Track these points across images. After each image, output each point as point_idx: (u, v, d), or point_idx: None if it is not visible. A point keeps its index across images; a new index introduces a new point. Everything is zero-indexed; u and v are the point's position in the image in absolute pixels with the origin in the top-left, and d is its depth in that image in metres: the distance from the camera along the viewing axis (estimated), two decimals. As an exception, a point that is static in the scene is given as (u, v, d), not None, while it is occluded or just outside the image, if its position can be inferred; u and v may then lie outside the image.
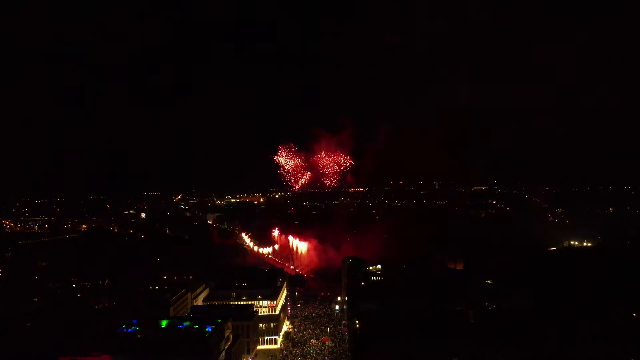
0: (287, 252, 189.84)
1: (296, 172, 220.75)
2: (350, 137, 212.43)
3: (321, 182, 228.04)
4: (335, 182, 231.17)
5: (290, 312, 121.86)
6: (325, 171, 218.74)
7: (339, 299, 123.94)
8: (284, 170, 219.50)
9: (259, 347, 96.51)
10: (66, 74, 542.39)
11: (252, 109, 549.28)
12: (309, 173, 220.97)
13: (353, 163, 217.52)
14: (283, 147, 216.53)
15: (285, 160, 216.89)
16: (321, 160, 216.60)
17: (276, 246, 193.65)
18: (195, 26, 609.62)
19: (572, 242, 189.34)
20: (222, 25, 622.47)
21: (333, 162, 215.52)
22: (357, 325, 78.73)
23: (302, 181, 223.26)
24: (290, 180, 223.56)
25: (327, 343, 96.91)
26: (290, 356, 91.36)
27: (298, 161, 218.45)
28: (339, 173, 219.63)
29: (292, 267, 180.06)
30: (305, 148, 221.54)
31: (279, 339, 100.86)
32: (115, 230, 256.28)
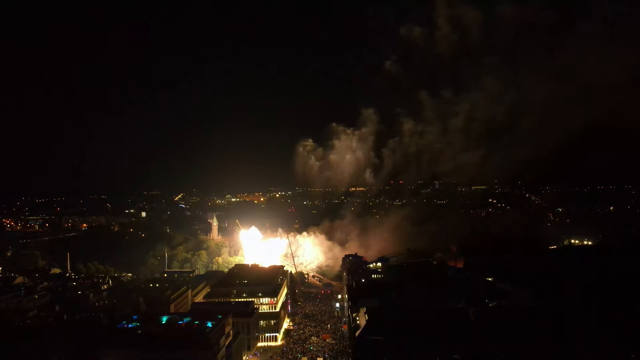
0: (288, 250, 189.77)
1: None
2: (372, 134, 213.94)
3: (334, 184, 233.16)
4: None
5: (291, 309, 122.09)
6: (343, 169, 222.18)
7: (339, 296, 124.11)
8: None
9: (260, 344, 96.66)
10: (67, 69, 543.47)
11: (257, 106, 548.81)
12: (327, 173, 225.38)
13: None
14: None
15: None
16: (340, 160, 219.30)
17: (277, 244, 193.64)
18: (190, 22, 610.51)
19: (572, 241, 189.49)
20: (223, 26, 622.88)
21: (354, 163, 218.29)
22: (357, 323, 78.67)
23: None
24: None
25: (327, 340, 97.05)
26: (290, 353, 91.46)
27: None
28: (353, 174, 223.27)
29: (293, 264, 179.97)
30: (323, 145, 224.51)
31: (280, 336, 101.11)
32: (116, 229, 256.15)
